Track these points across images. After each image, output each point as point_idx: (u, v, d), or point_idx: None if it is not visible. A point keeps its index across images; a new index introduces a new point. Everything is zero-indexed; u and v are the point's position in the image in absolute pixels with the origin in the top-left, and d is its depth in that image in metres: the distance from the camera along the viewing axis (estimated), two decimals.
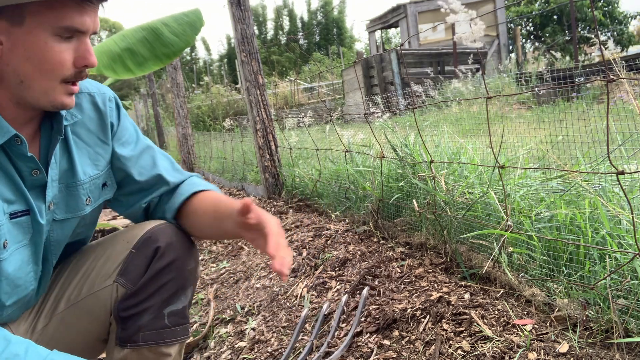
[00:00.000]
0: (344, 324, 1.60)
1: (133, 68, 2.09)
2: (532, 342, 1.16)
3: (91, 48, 0.93)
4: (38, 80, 0.90)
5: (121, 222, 4.02)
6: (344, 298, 1.69)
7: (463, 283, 1.53)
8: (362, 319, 1.55)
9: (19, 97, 0.92)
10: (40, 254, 1.05)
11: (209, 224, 1.15)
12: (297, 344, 1.62)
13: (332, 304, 1.73)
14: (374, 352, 1.38)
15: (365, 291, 1.65)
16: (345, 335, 1.54)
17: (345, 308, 1.67)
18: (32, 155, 0.97)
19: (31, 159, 0.97)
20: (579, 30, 18.28)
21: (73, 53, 0.91)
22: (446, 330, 1.31)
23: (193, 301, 2.30)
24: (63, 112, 1.03)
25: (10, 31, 0.86)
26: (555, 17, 19.46)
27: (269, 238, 0.96)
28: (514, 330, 1.23)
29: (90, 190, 1.12)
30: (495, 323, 1.27)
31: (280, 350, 1.64)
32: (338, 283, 1.85)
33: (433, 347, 1.27)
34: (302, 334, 1.67)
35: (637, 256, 1.08)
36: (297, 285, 2.00)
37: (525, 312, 1.30)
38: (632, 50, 17.87)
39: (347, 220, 2.47)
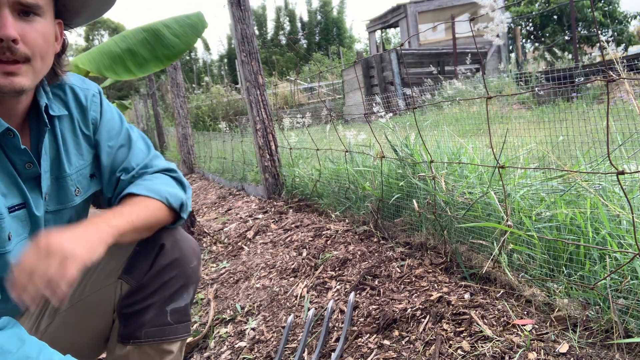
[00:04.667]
0: (342, 324, 1.59)
1: (133, 69, 2.09)
2: (532, 342, 1.16)
3: (6, 18, 0.85)
4: None
5: None
6: (330, 304, 1.68)
7: (463, 283, 1.53)
8: (362, 319, 1.55)
9: None
10: None
11: None
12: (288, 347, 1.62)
13: (324, 308, 1.73)
14: (374, 352, 1.38)
15: (351, 297, 1.64)
16: (337, 341, 1.53)
17: (346, 308, 1.66)
18: (25, 148, 0.97)
19: (24, 152, 0.97)
20: (579, 30, 18.28)
21: None
22: (446, 330, 1.31)
23: (193, 301, 2.30)
24: (43, 104, 1.02)
25: None
26: (555, 17, 19.46)
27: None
28: (514, 330, 1.23)
29: (78, 181, 1.12)
30: (495, 323, 1.27)
31: (284, 347, 1.64)
32: (338, 283, 1.85)
33: (433, 347, 1.27)
34: (292, 342, 1.66)
35: (637, 256, 1.08)
36: (297, 285, 2.00)
37: (525, 312, 1.30)
38: (632, 50, 17.85)
39: (347, 220, 2.46)
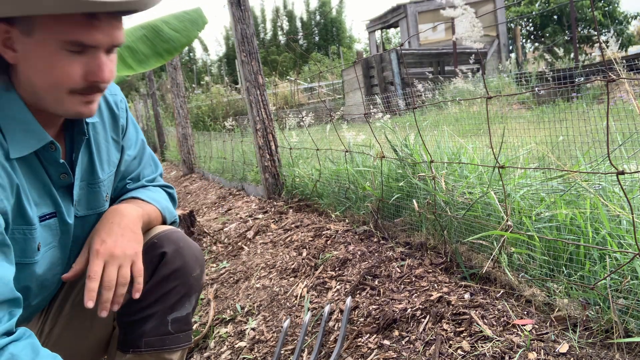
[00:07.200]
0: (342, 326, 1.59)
1: (134, 65, 2.09)
2: (532, 342, 1.16)
3: (105, 62, 0.89)
4: (47, 91, 0.88)
5: None
6: (327, 308, 1.68)
7: (463, 283, 1.53)
8: (362, 319, 1.55)
9: (37, 105, 0.92)
10: (67, 255, 1.06)
11: None
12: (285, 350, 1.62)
13: (319, 310, 1.74)
14: (374, 352, 1.38)
15: (348, 301, 1.64)
16: (335, 342, 1.53)
17: (344, 311, 1.66)
18: (63, 162, 0.98)
19: (62, 165, 0.99)
20: (579, 30, 18.28)
21: (84, 67, 0.87)
22: (446, 330, 1.31)
23: (195, 308, 2.30)
24: None
25: (22, 40, 0.85)
26: (555, 17, 19.46)
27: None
28: (514, 330, 1.23)
29: (107, 187, 1.14)
30: (495, 323, 1.27)
31: (280, 351, 1.64)
32: (338, 283, 1.85)
33: (433, 347, 1.27)
34: (292, 342, 1.66)
35: (637, 256, 1.08)
36: (297, 285, 2.00)
37: (525, 312, 1.30)
38: (632, 50, 17.85)
39: (347, 220, 2.46)
